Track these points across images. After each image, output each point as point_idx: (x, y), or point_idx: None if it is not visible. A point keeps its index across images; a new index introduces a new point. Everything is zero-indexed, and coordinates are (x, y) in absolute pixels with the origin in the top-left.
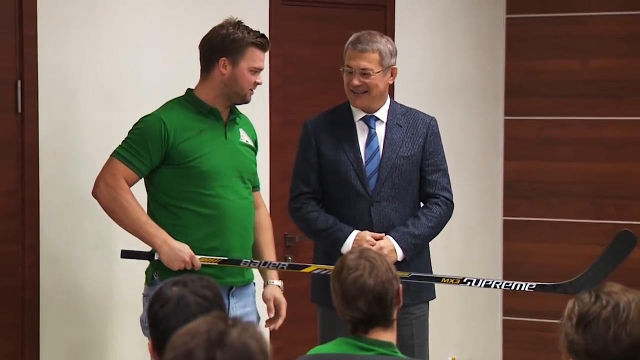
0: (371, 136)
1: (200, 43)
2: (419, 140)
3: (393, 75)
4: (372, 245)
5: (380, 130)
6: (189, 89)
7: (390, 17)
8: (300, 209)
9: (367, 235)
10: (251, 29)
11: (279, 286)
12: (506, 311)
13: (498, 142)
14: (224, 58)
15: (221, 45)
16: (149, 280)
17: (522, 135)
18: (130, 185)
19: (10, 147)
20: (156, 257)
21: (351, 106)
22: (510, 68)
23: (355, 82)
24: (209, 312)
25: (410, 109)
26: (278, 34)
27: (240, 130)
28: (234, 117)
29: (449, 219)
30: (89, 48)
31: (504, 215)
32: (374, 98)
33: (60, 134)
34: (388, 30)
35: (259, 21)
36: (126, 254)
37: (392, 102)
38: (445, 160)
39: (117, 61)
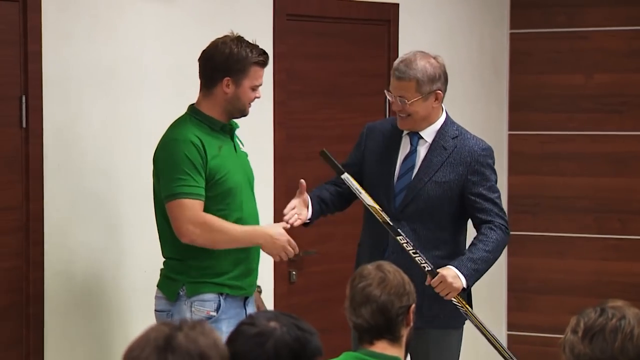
0: (410, 153)
1: (201, 58)
2: (458, 168)
3: (438, 99)
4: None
5: (422, 149)
6: (192, 105)
7: (394, 32)
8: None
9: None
10: (252, 45)
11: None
12: (511, 326)
13: (502, 157)
14: (227, 78)
15: (225, 65)
16: (173, 296)
17: (525, 150)
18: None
19: (15, 162)
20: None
21: None
22: (514, 83)
23: (394, 107)
24: None
25: (464, 132)
26: (282, 49)
27: (236, 139)
28: (233, 130)
29: (506, 243)
30: (92, 63)
31: None
32: (416, 122)
33: (65, 149)
34: (392, 45)
35: (263, 36)
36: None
37: (446, 123)
38: (494, 189)
39: (120, 76)
